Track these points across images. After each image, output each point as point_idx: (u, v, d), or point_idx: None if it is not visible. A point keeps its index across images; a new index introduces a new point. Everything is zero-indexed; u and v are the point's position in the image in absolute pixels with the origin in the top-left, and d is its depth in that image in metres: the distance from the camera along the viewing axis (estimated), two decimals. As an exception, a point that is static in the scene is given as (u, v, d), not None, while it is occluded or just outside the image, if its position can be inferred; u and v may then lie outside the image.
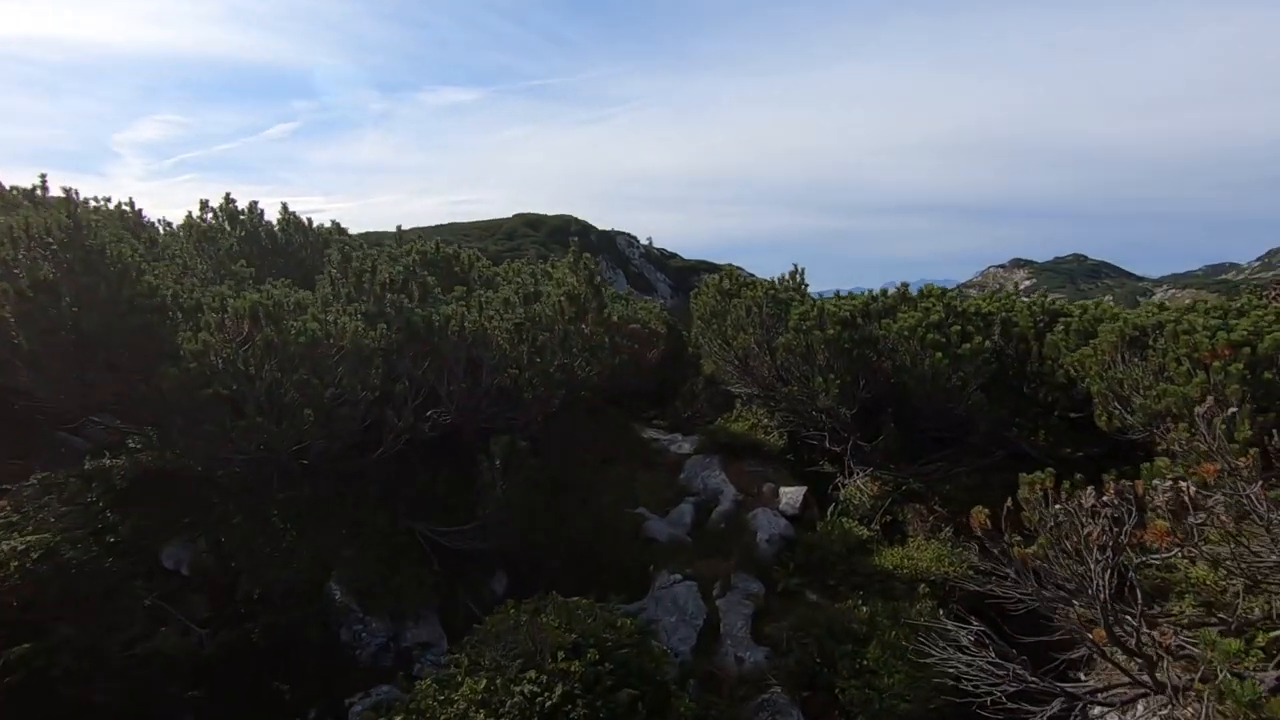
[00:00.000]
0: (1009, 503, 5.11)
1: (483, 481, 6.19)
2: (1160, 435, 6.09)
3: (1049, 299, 9.37)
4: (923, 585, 6.89)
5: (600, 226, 63.30)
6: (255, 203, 9.72)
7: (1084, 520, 3.88)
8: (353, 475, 6.61)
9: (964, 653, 4.70)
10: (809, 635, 6.11)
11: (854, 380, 8.02)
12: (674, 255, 67.70)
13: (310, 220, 10.19)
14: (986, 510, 5.72)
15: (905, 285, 8.53)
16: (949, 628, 4.97)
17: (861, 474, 8.37)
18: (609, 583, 7.80)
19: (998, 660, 4.52)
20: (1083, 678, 5.77)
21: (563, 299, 7.19)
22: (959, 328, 7.56)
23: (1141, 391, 5.92)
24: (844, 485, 9.25)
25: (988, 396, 7.65)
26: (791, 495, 8.88)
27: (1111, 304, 8.17)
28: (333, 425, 5.83)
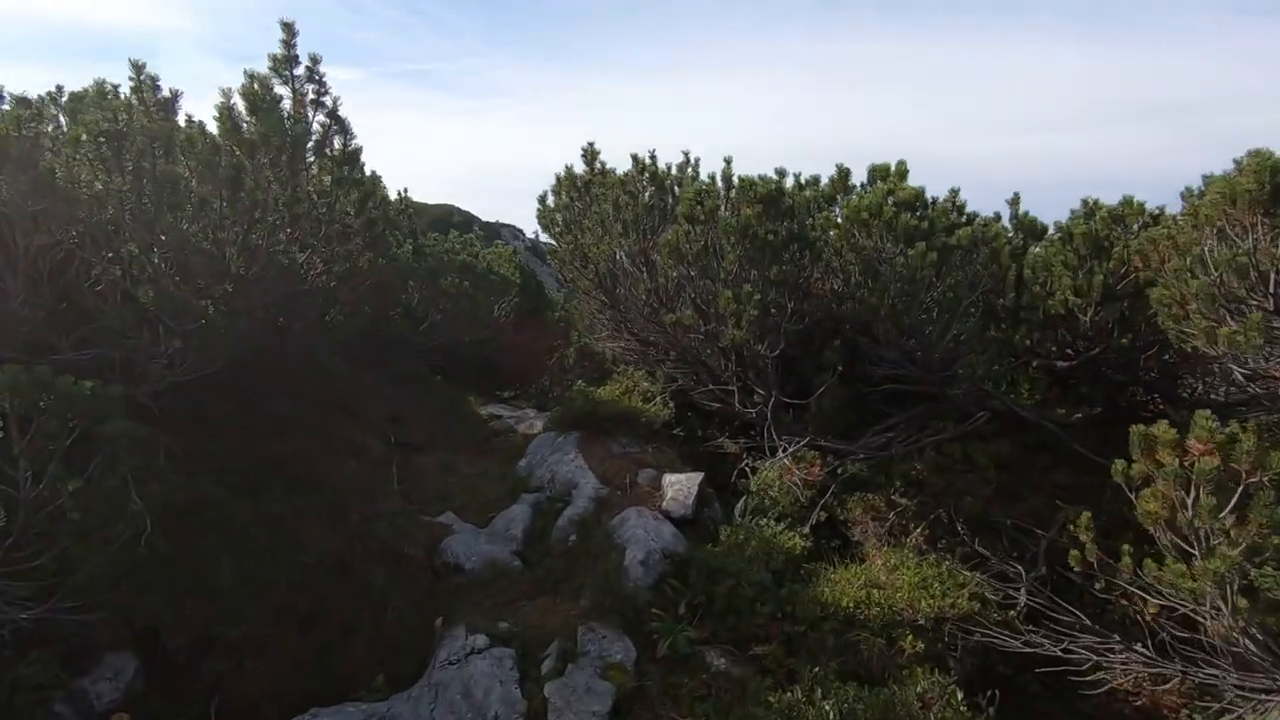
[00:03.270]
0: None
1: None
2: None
3: (1022, 211, 6.78)
4: (907, 634, 3.94)
5: (485, 218, 60.67)
6: None
7: None
8: None
9: None
10: (721, 771, 2.96)
11: (779, 301, 4.99)
12: (560, 248, 65.37)
13: None
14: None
15: (844, 168, 5.61)
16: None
17: (786, 450, 5.37)
18: (360, 658, 4.33)
19: None
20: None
21: (236, 108, 3.62)
22: (945, 211, 4.73)
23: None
24: (756, 469, 6.28)
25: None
26: (680, 486, 5.76)
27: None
28: None
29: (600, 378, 11.86)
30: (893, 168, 5.44)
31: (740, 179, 4.91)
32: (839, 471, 5.78)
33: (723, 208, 4.89)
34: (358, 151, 4.38)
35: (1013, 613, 4.25)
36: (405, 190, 10.58)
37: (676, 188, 5.80)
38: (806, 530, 5.39)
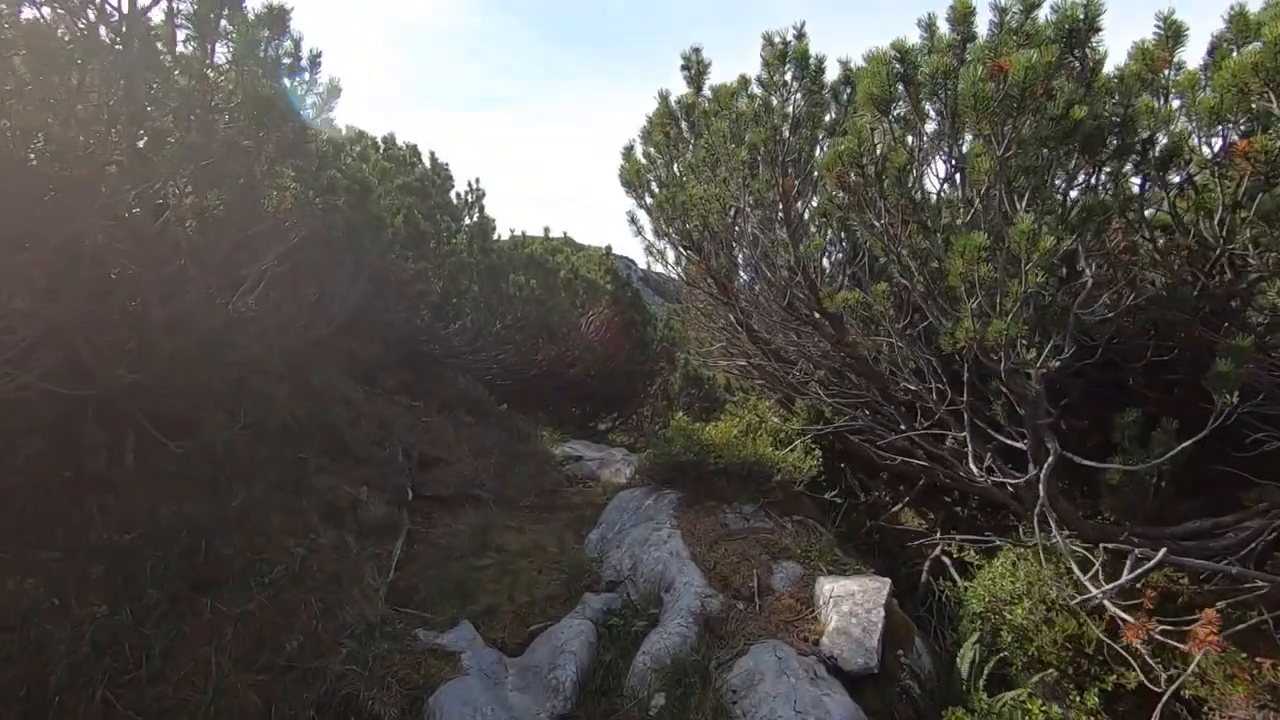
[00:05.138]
0: None
1: None
2: None
3: None
4: None
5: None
6: None
7: None
8: None
9: None
10: None
11: (1074, 264, 2.41)
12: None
13: None
14: None
15: (1174, 20, 2.98)
16: None
17: (1064, 541, 2.72)
18: None
19: None
20: None
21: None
22: None
23: None
24: (967, 564, 3.71)
25: None
26: (853, 605, 3.23)
27: None
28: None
29: (710, 409, 9.43)
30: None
31: (999, 4, 2.40)
32: (1173, 582, 3.03)
33: (955, 71, 2.42)
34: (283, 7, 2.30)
35: None
36: (477, 180, 8.82)
37: (845, 89, 3.37)
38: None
